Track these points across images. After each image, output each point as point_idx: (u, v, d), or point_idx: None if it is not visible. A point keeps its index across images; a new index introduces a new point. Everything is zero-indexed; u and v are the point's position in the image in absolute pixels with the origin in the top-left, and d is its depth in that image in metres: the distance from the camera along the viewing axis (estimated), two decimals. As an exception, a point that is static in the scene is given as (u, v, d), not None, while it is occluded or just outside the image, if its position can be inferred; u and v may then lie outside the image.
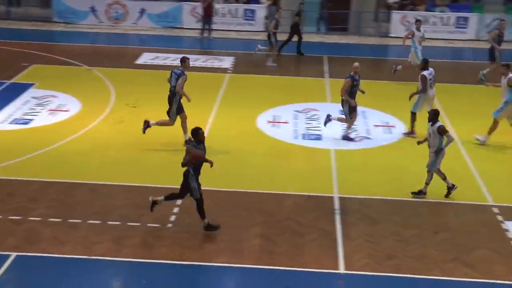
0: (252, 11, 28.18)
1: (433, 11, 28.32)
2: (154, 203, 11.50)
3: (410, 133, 16.14)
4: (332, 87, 20.29)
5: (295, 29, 23.82)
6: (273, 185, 13.44)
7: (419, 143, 13.31)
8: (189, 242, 11.11)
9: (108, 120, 16.83)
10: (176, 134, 15.43)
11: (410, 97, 16.15)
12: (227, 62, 22.76)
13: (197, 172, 11.10)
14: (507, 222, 12.15)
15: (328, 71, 22.20)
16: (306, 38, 24.60)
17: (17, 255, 10.58)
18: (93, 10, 28.13)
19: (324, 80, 21.15)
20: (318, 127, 16.78)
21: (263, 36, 27.41)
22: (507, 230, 11.89)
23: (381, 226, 11.91)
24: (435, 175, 12.96)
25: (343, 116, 15.82)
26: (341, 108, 15.91)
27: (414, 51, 20.47)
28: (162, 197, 11.49)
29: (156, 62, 22.49)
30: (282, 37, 23.68)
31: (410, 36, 20.67)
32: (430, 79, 15.94)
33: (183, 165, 11.07)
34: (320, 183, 13.61)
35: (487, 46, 24.07)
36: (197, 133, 11.21)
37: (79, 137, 15.64)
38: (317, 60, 23.45)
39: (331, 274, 10.43)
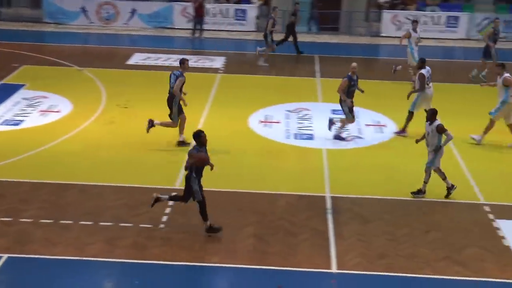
0: (243, 11, 28.19)
1: (424, 11, 28.41)
2: (157, 200, 11.44)
3: (401, 131, 16.18)
4: (323, 87, 20.33)
5: (291, 29, 23.81)
6: (265, 185, 13.45)
7: (417, 141, 13.29)
8: (181, 242, 11.10)
9: (99, 120, 16.80)
10: (168, 134, 15.42)
11: (408, 95, 16.22)
12: (218, 62, 22.76)
13: (199, 175, 11.07)
14: (498, 221, 12.20)
15: (319, 70, 22.23)
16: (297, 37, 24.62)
17: (8, 257, 10.54)
18: (83, 10, 28.05)
19: (316, 80, 21.18)
20: (310, 126, 16.81)
21: (254, 36, 27.48)
22: (498, 229, 11.94)
23: (373, 225, 11.94)
24: (435, 174, 12.92)
25: (345, 117, 15.76)
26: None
27: (410, 52, 20.44)
28: (167, 196, 11.44)
29: (147, 62, 22.46)
30: (277, 36, 23.62)
31: (406, 37, 20.62)
32: (428, 77, 15.99)
33: (186, 168, 11.02)
34: (312, 182, 13.62)
35: (477, 45, 24.21)
36: (199, 136, 11.15)
37: (70, 138, 15.59)
38: (308, 60, 23.48)
39: (323, 273, 10.44)
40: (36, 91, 18.76)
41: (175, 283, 10.17)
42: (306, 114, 17.71)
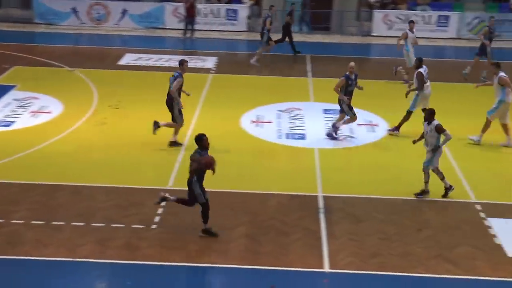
0: (235, 11, 28.18)
1: (415, 10, 28.49)
2: (164, 199, 11.37)
3: (395, 129, 16.17)
4: (315, 87, 20.35)
5: (287, 30, 23.82)
6: (257, 185, 13.45)
7: (414, 142, 13.29)
8: (173, 243, 11.08)
9: (91, 121, 16.75)
10: (160, 134, 15.40)
11: (407, 94, 16.26)
12: (210, 62, 22.74)
13: (200, 178, 11.02)
14: (489, 219, 12.24)
15: (311, 70, 22.25)
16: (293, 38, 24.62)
17: (-1, 259, 10.51)
18: (74, 11, 27.98)
19: (307, 80, 21.20)
20: (301, 126, 16.82)
21: (245, 36, 27.50)
22: (489, 227, 11.98)
23: (365, 224, 11.96)
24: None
25: (347, 117, 15.73)
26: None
27: (407, 52, 20.47)
28: (174, 198, 11.33)
29: (138, 63, 22.42)
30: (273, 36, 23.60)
31: (404, 38, 20.61)
32: (426, 76, 16.03)
33: (191, 173, 10.98)
34: (304, 182, 13.63)
35: (468, 44, 24.31)
36: (201, 139, 11.08)
37: (61, 139, 15.54)
38: (300, 60, 23.49)
39: (316, 273, 10.45)
40: (27, 92, 18.70)
41: (167, 284, 10.15)
42: (298, 114, 17.72)
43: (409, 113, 16.12)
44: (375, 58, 25.89)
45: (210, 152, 11.19)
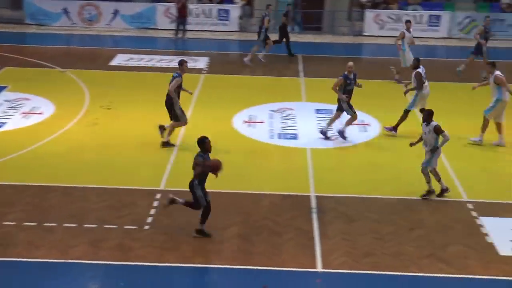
0: (226, 11, 28.17)
1: (406, 10, 28.56)
2: (173, 201, 11.31)
3: (392, 129, 16.17)
4: (307, 86, 20.37)
5: (283, 31, 23.83)
6: (249, 185, 13.44)
7: (411, 144, 13.25)
8: (166, 243, 11.07)
9: (83, 122, 16.70)
10: (152, 134, 15.39)
11: (405, 93, 16.27)
12: (201, 62, 22.71)
13: (202, 181, 10.99)
14: (481, 218, 12.29)
15: (303, 70, 22.26)
16: (275, 38, 24.60)
17: (-9, 260, 10.46)
18: (65, 11, 27.89)
19: (299, 80, 21.21)
20: (293, 126, 16.83)
21: (237, 36, 27.50)
22: (481, 226, 12.02)
23: (358, 224, 11.97)
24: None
25: (349, 117, 15.72)
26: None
27: (403, 52, 20.48)
28: (182, 200, 11.26)
29: (130, 63, 22.38)
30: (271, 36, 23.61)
31: (401, 37, 20.63)
32: (424, 76, 16.08)
33: (196, 177, 10.93)
34: (296, 182, 13.64)
35: (459, 44, 24.35)
36: (204, 142, 11.04)
37: (53, 140, 15.49)
38: (291, 60, 23.50)
39: (308, 272, 10.45)
40: (18, 93, 18.63)
41: (160, 285, 10.13)
42: (290, 114, 17.73)
43: (406, 112, 16.15)
44: (366, 57, 25.94)
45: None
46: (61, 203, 12.39)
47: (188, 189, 11.09)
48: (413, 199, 13.00)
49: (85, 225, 11.57)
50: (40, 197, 12.60)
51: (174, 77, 14.88)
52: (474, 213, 12.49)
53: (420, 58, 16.68)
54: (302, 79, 21.27)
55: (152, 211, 12.10)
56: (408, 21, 21.33)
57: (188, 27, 26.84)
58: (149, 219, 11.84)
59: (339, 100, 15.59)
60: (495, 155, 15.53)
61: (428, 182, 12.90)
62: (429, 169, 12.86)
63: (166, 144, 15.03)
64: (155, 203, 12.41)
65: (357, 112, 15.70)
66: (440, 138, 12.66)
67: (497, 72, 15.56)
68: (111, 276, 10.32)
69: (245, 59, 22.45)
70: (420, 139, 13.05)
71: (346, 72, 15.51)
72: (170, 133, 15.09)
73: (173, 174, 13.81)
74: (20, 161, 14.30)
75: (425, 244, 11.32)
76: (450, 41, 27.51)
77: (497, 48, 24.54)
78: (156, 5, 28.06)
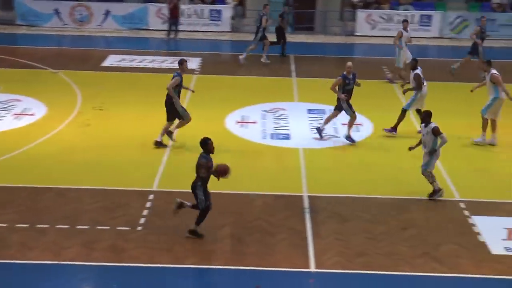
0: (218, 12, 28.16)
1: (397, 10, 28.63)
2: (181, 205, 11.26)
3: (392, 130, 16.18)
4: (299, 87, 20.39)
5: (281, 31, 23.86)
6: (242, 185, 13.44)
7: (410, 148, 13.21)
8: (159, 244, 11.06)
9: (75, 123, 16.66)
10: (144, 134, 15.38)
11: (404, 92, 16.32)
12: (194, 63, 22.67)
13: (204, 183, 10.98)
14: (473, 217, 12.34)
15: (295, 70, 22.28)
16: (272, 38, 24.61)
17: (-16, 262, 10.43)
18: (57, 12, 27.80)
19: (291, 80, 21.23)
20: (286, 126, 16.85)
21: (229, 37, 27.49)
22: (473, 225, 12.07)
23: (351, 224, 12.00)
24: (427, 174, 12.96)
25: (349, 118, 15.73)
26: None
27: (398, 52, 20.52)
28: (190, 204, 11.22)
29: (122, 64, 22.34)
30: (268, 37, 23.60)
31: (399, 37, 20.65)
32: (422, 77, 16.12)
33: (199, 178, 10.90)
34: (289, 182, 13.66)
35: (451, 43, 24.41)
36: (206, 143, 11.00)
37: (45, 141, 15.45)
38: (284, 60, 23.52)
39: (302, 273, 10.47)
40: (10, 94, 18.56)
41: (153, 286, 10.12)
42: (282, 114, 17.75)
43: (404, 111, 16.19)
44: (358, 57, 25.97)
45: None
46: (53, 205, 12.37)
47: (191, 190, 11.06)
48: (405, 199, 13.03)
49: (78, 227, 11.55)
50: (33, 199, 12.57)
51: (173, 76, 14.92)
52: (466, 212, 12.54)
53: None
54: (294, 79, 21.29)
55: (145, 212, 12.10)
56: (405, 21, 21.41)
57: (180, 27, 26.81)
58: (142, 220, 11.83)
59: (338, 100, 15.61)
60: (488, 154, 15.58)
61: (432, 182, 12.93)
62: (428, 171, 12.87)
63: (159, 144, 15.02)
64: (148, 204, 12.40)
65: (345, 113, 15.69)
66: (439, 140, 12.66)
67: (493, 71, 15.63)
68: (104, 277, 10.31)
69: (241, 57, 22.46)
70: (420, 143, 13.04)
71: (345, 72, 15.54)
72: (163, 133, 15.07)
73: (166, 174, 13.81)
74: (12, 162, 14.26)
75: (417, 244, 11.36)
76: (442, 41, 27.60)
77: (488, 48, 24.60)
78: (148, 6, 28.02)
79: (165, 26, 26.93)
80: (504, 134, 16.00)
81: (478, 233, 11.77)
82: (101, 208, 12.25)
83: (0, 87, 19.23)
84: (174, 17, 26.40)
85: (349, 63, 15.62)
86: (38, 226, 11.53)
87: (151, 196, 12.72)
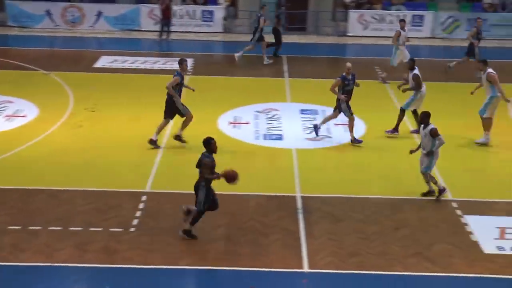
0: (210, 12, 28.15)
1: (389, 10, 28.69)
2: (188, 211, 11.19)
3: (393, 131, 16.18)
4: (291, 87, 20.39)
5: (278, 32, 23.87)
6: (235, 186, 13.37)
7: (411, 152, 13.18)
8: (152, 245, 11.04)
9: (67, 125, 16.62)
10: (137, 135, 15.35)
11: (404, 91, 16.36)
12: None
13: (208, 183, 10.96)
14: (466, 216, 12.37)
15: (288, 70, 22.30)
16: (268, 39, 24.61)
17: (-25, 265, 10.38)
18: (48, 13, 27.72)
19: (284, 80, 21.24)
20: (279, 127, 16.85)
21: (221, 37, 27.47)
22: (466, 224, 12.10)
23: (344, 224, 12.01)
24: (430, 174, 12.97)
25: (348, 120, 15.69)
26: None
27: (394, 52, 20.54)
28: (195, 208, 11.21)
29: (114, 65, 22.29)
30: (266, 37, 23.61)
31: (397, 36, 20.68)
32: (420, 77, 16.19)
33: (202, 179, 10.89)
34: (282, 183, 13.66)
35: (442, 43, 24.46)
36: (209, 143, 10.98)
37: (37, 143, 15.40)
38: (276, 60, 23.52)
39: (295, 273, 10.47)
40: (1, 96, 18.48)
41: (146, 287, 10.11)
42: (275, 115, 17.76)
43: (402, 111, 16.22)
44: (351, 58, 25.96)
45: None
46: (46, 206, 12.32)
47: (193, 190, 11.04)
48: (398, 199, 13.06)
49: (71, 228, 11.51)
50: (25, 201, 12.52)
51: (173, 76, 14.96)
52: (458, 212, 12.57)
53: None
54: (287, 79, 21.30)
55: (138, 213, 12.07)
56: (402, 20, 21.50)
57: (172, 28, 26.80)
58: (135, 221, 11.81)
59: (338, 100, 15.62)
60: (481, 154, 15.62)
61: (435, 183, 12.94)
62: (428, 172, 12.87)
63: (153, 143, 14.99)
64: (141, 205, 12.38)
65: (341, 113, 15.71)
66: (436, 142, 12.66)
67: (489, 70, 15.67)
68: (97, 279, 10.28)
69: (236, 54, 22.45)
70: (419, 146, 13.05)
71: (344, 73, 15.55)
72: (158, 132, 15.06)
73: (158, 175, 13.79)
74: (3, 164, 14.20)
75: (410, 243, 11.38)
76: (433, 41, 27.68)
77: (483, 48, 24.66)
78: (140, 7, 27.98)
79: (157, 27, 26.91)
80: (496, 134, 16.05)
81: (470, 233, 11.80)
82: (93, 210, 12.22)
83: (-9, 89, 19.17)
84: (166, 18, 26.39)
85: (349, 64, 15.64)
86: (30, 228, 11.49)
87: (144, 197, 12.71)
